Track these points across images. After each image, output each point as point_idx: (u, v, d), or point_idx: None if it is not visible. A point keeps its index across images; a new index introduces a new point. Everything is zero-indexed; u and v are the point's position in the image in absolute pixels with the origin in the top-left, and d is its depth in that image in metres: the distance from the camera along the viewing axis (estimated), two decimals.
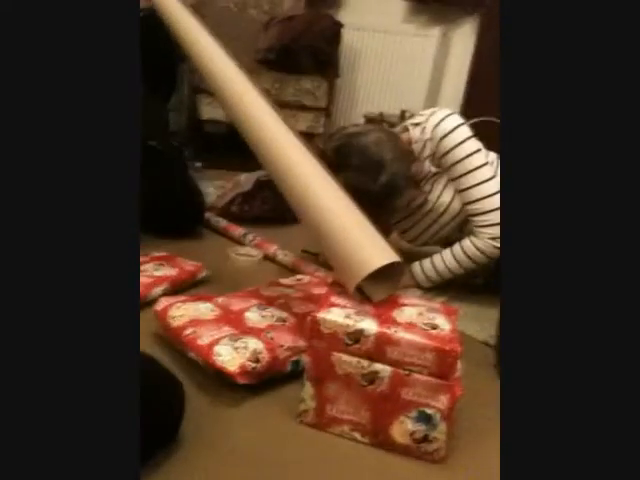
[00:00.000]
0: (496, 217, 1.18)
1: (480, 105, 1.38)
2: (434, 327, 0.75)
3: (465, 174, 1.20)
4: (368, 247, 0.82)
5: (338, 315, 0.74)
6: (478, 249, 1.21)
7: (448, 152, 1.20)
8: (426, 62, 2.52)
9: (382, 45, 2.55)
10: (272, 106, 0.99)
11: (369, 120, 2.33)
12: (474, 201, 1.20)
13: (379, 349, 0.73)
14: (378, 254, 0.81)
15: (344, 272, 0.82)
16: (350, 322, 0.73)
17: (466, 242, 1.23)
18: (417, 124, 1.25)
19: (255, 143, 0.96)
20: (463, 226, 1.30)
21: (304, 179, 0.90)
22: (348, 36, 2.51)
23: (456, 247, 1.26)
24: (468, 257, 1.23)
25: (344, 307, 0.77)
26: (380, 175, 1.14)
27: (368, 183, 1.13)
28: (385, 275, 0.80)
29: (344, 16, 2.63)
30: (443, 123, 1.19)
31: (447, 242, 1.33)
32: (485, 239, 1.20)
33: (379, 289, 0.82)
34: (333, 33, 2.37)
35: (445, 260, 1.27)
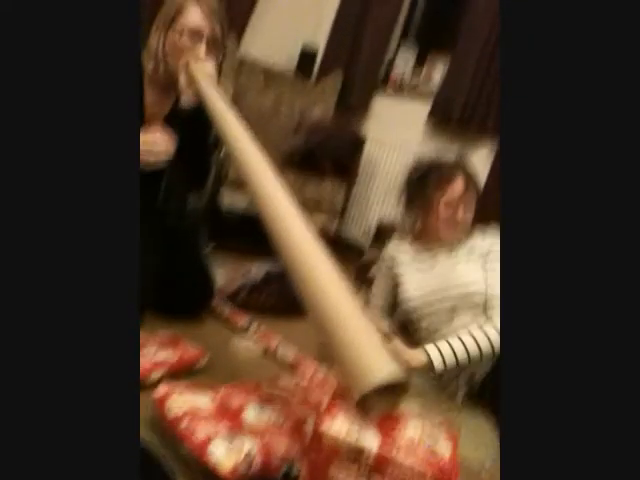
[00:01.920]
0: None
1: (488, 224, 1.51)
2: (434, 452, 0.74)
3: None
4: (374, 360, 0.82)
5: (340, 428, 0.74)
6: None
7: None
8: None
9: (400, 160, 2.70)
10: (295, 203, 1.02)
11: (383, 228, 2.42)
12: None
13: (378, 469, 0.72)
14: (384, 369, 0.81)
15: (348, 382, 0.82)
16: (352, 438, 0.73)
17: (488, 327, 1.25)
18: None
19: (275, 235, 0.98)
20: (455, 316, 1.36)
21: (319, 281, 0.90)
22: (370, 147, 2.67)
23: (477, 331, 1.25)
24: (488, 339, 1.23)
25: (347, 420, 0.77)
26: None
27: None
28: (389, 389, 0.80)
29: (368, 128, 2.82)
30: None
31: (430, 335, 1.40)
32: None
33: (381, 402, 0.82)
34: (356, 144, 2.54)
35: (465, 343, 1.24)
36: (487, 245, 1.39)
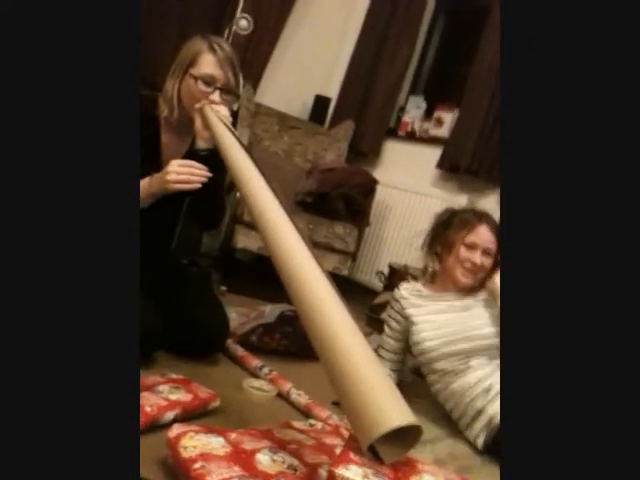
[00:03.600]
0: None
1: None
2: None
3: None
4: (384, 406, 0.80)
5: (356, 474, 0.73)
6: None
7: None
8: None
9: (411, 204, 2.75)
10: (308, 246, 1.03)
11: (395, 270, 2.43)
12: None
13: None
14: (393, 414, 0.79)
15: (357, 428, 0.81)
16: None
17: None
18: None
19: (287, 279, 0.98)
20: (472, 357, 1.36)
21: (330, 324, 0.90)
22: (382, 191, 2.72)
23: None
24: None
25: (362, 465, 0.76)
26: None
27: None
28: (399, 434, 0.78)
29: (380, 173, 2.87)
30: None
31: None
32: None
33: (394, 446, 0.80)
34: (369, 187, 2.58)
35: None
36: None
